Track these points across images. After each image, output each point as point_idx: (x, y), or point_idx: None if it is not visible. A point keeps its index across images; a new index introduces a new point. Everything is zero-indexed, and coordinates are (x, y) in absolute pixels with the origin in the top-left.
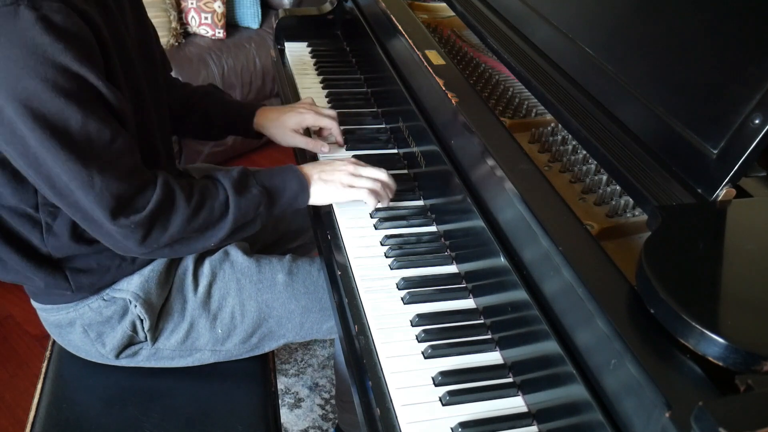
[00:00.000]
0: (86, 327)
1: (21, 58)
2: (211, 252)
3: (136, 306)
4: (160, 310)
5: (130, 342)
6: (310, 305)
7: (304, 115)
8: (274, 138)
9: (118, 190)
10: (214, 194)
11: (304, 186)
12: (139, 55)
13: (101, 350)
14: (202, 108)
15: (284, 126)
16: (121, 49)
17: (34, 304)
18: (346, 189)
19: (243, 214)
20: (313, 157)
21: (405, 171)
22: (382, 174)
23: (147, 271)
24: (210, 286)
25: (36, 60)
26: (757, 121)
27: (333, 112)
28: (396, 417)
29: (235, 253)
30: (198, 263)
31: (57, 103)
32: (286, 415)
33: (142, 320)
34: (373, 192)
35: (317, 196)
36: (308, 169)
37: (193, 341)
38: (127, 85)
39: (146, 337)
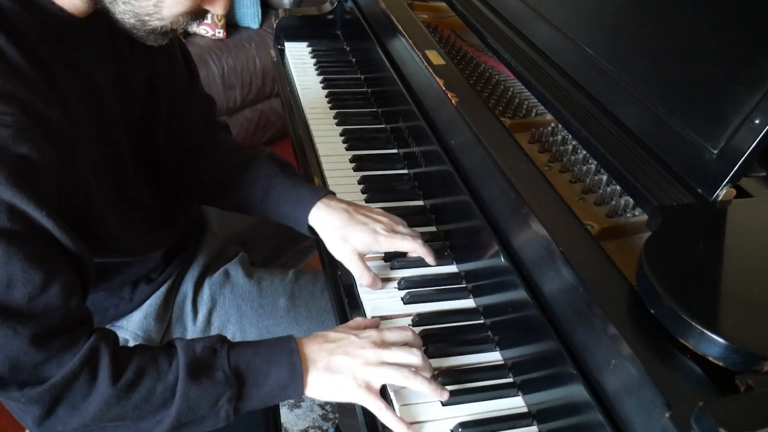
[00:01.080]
0: None
1: None
2: (210, 273)
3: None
4: (160, 342)
5: None
6: (313, 329)
7: (378, 239)
8: (329, 248)
9: (19, 353)
10: (161, 373)
11: (297, 375)
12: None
13: None
14: (263, 179)
15: (348, 240)
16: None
17: None
18: (360, 390)
19: (192, 407)
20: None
21: (405, 170)
22: (414, 358)
23: (146, 306)
24: (210, 313)
25: None
26: (757, 121)
27: (411, 231)
28: None
29: (236, 274)
30: (197, 287)
31: None
32: (286, 415)
33: None
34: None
35: (317, 391)
36: (311, 348)
37: None
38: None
39: None
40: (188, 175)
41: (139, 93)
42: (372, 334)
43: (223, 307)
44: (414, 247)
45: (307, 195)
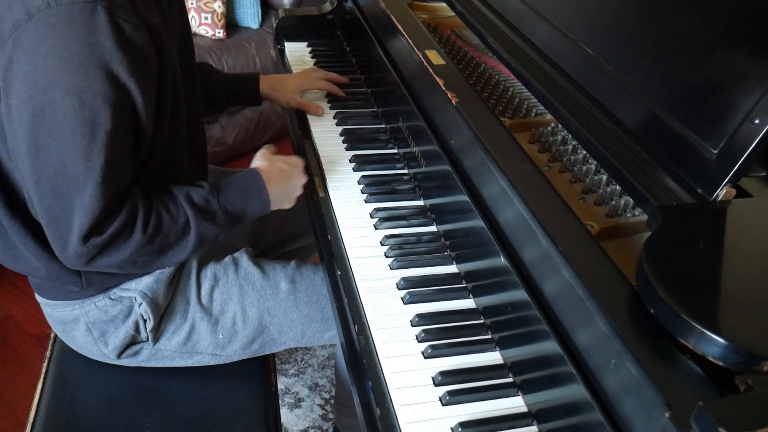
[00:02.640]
0: (90, 325)
1: (79, 54)
2: (215, 253)
3: (141, 305)
4: (163, 310)
5: (132, 342)
6: (313, 314)
7: (300, 81)
8: (276, 100)
9: (101, 209)
10: (173, 217)
11: (265, 205)
12: (180, 59)
13: (103, 350)
14: (203, 83)
15: (285, 88)
16: (172, 60)
17: (39, 299)
18: (302, 179)
19: (203, 240)
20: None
21: (405, 170)
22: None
23: (157, 272)
24: (212, 289)
25: (92, 60)
26: (757, 121)
27: (324, 74)
28: (396, 417)
29: (240, 257)
30: (202, 265)
31: (95, 106)
32: (286, 415)
33: (145, 320)
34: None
35: (277, 208)
36: (272, 184)
37: (194, 344)
38: (173, 95)
39: (148, 337)
40: None
41: (180, 51)
42: (279, 158)
43: (225, 285)
44: (326, 86)
45: (249, 75)
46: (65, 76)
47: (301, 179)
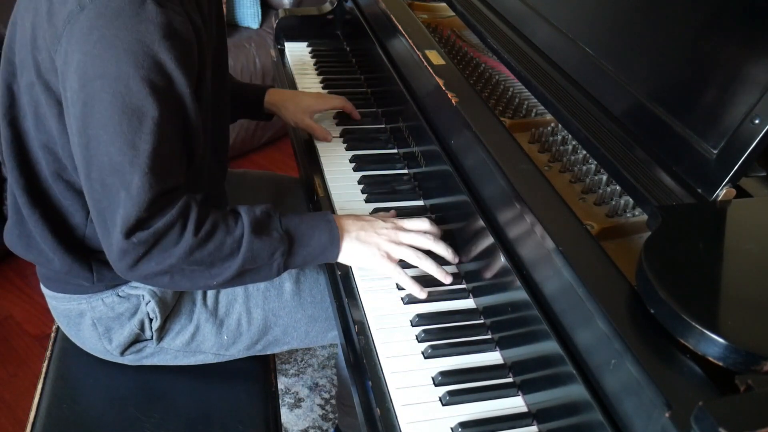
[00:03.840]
0: (96, 321)
1: (128, 43)
2: None
3: (149, 303)
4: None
5: (136, 340)
6: (317, 314)
7: (316, 100)
8: (284, 117)
9: (148, 202)
10: (229, 229)
11: (335, 240)
12: (214, 65)
13: (107, 346)
14: None
15: (297, 106)
16: (208, 63)
17: (45, 290)
18: (383, 259)
19: (254, 257)
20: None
21: (405, 170)
22: (427, 242)
23: None
24: (218, 291)
25: (140, 49)
26: (757, 121)
27: (342, 98)
28: (396, 417)
29: None
30: None
31: (142, 94)
32: (286, 415)
33: (151, 319)
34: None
35: (348, 256)
36: (346, 222)
37: (198, 344)
38: (204, 97)
39: (152, 336)
40: None
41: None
42: (395, 220)
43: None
44: (343, 104)
45: (256, 86)
46: (114, 63)
47: (384, 233)
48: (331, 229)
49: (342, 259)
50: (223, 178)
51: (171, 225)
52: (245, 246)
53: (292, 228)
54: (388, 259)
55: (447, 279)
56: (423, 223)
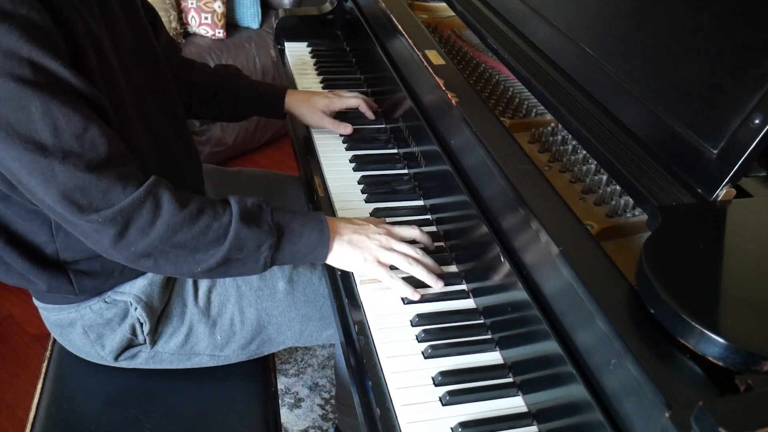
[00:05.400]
0: (86, 328)
1: None
2: None
3: (136, 309)
4: (160, 313)
5: (129, 344)
6: (310, 314)
7: (332, 99)
8: (302, 118)
9: (85, 181)
10: (217, 215)
11: (324, 239)
12: (134, 60)
13: (100, 352)
14: (230, 89)
15: (314, 106)
16: (98, 50)
17: (36, 303)
18: (373, 264)
19: (241, 246)
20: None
21: (405, 170)
22: (415, 252)
23: (151, 274)
24: (210, 291)
25: None
26: (757, 121)
27: (356, 94)
28: (396, 417)
29: None
30: None
31: (12, 91)
32: (286, 415)
33: (141, 323)
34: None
35: (338, 258)
36: (338, 224)
37: (192, 346)
38: (106, 86)
39: (145, 340)
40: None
41: (134, 52)
42: (387, 226)
43: (222, 286)
44: (358, 102)
45: (277, 87)
46: None
47: (376, 238)
48: (322, 229)
49: (331, 260)
50: (194, 170)
51: (139, 203)
52: (232, 233)
53: (283, 222)
54: (378, 264)
55: (438, 284)
56: (413, 231)
